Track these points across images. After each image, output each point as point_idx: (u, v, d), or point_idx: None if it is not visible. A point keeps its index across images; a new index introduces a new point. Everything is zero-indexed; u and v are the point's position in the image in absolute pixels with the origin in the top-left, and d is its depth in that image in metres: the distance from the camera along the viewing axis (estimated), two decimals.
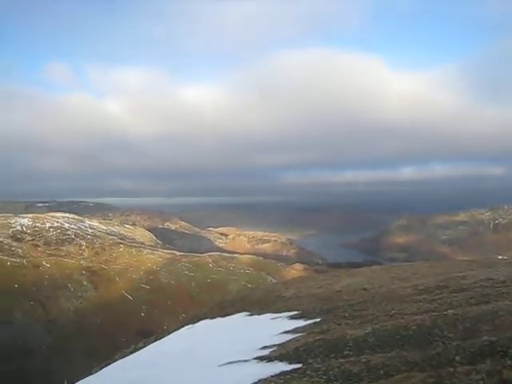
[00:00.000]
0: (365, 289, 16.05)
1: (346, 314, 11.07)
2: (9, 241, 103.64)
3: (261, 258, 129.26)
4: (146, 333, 61.51)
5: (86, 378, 17.36)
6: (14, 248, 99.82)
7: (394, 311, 10.05)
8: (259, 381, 6.53)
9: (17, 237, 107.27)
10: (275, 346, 9.32)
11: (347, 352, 7.20)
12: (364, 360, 6.39)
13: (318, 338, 8.77)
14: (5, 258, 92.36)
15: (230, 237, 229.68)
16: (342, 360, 6.72)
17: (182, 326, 23.67)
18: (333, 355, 7.16)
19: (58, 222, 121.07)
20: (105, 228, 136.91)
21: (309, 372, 6.37)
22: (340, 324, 9.98)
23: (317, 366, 6.64)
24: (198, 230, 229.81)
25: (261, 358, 8.28)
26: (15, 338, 72.81)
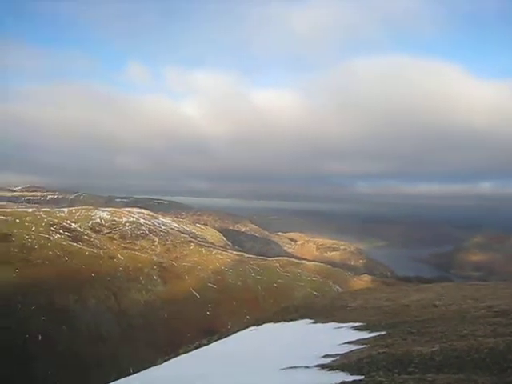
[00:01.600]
0: (435, 305, 15.46)
1: (414, 330, 10.71)
2: (88, 232, 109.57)
3: (328, 265, 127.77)
4: (210, 331, 62.62)
5: (150, 369, 17.96)
6: (92, 239, 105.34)
7: (465, 331, 9.60)
8: None
9: (96, 229, 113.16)
10: (337, 355, 9.15)
11: (412, 369, 6.94)
12: (429, 379, 6.13)
13: (382, 351, 8.53)
14: (84, 247, 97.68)
15: (299, 243, 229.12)
16: (406, 376, 6.48)
17: (246, 328, 23.86)
18: (396, 370, 6.93)
19: (133, 217, 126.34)
20: (177, 226, 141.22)
21: None
22: (406, 339, 9.67)
23: (379, 379, 6.40)
24: (267, 233, 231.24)
25: (322, 366, 8.14)
26: (90, 324, 76.79)
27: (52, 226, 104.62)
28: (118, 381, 16.02)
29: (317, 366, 8.30)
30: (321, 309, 22.23)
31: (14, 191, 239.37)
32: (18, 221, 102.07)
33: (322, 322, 16.20)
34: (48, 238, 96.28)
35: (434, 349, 7.92)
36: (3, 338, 66.03)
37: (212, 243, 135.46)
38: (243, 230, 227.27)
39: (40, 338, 70.13)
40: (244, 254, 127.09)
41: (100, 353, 68.88)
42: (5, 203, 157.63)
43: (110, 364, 62.78)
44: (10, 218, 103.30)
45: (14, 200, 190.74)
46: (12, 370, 59.88)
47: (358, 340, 10.67)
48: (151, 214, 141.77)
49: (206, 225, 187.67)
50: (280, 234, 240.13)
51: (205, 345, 23.31)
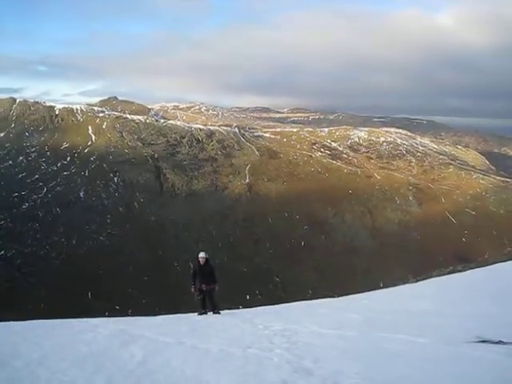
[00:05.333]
0: None
1: None
2: (347, 150, 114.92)
3: None
4: (465, 258, 61.20)
5: (400, 286, 19.40)
6: (350, 157, 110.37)
7: None
8: None
9: (353, 148, 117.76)
10: None
11: None
12: None
13: None
14: (343, 165, 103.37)
15: None
16: None
17: (509, 260, 22.99)
18: None
19: (391, 137, 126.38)
20: (436, 147, 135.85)
21: None
22: None
23: None
24: None
25: None
26: (345, 237, 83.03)
27: (314, 144, 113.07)
28: (374, 291, 18.00)
29: None
30: None
31: (282, 113, 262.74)
32: (285, 140, 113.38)
33: None
34: (310, 156, 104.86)
35: None
36: (268, 240, 77.28)
37: (473, 167, 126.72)
38: (511, 153, 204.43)
39: (303, 244, 79.48)
40: (510, 180, 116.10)
41: (352, 264, 74.54)
42: (274, 124, 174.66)
43: (362, 276, 67.61)
44: (278, 137, 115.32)
45: (281, 121, 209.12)
46: (281, 273, 70.16)
47: None
48: (409, 134, 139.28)
49: (468, 147, 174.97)
50: None
51: (459, 271, 23.62)
